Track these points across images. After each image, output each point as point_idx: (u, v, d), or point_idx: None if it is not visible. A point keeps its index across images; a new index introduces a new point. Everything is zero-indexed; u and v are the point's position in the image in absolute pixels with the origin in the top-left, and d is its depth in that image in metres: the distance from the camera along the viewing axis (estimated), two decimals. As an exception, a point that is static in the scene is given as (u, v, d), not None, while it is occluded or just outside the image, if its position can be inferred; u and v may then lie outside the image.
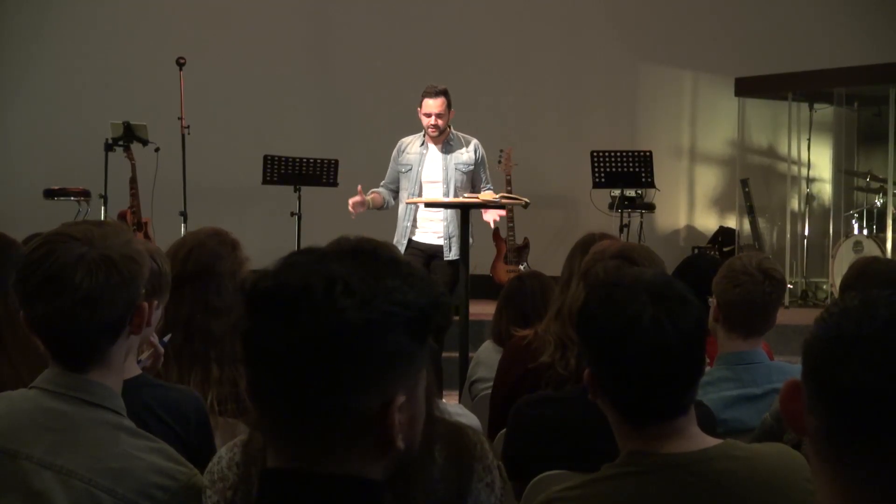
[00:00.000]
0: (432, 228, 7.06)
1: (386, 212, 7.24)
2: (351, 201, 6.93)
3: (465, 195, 6.88)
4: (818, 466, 1.21)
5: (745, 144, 11.35)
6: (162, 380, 2.68)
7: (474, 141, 7.10)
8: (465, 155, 7.02)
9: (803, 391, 1.21)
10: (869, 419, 1.13)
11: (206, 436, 2.42)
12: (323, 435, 1.26)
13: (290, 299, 1.24)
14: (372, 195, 7.06)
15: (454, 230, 6.98)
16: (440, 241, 7.03)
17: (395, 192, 7.14)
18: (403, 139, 7.12)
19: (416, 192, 6.99)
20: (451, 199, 6.90)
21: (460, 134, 7.09)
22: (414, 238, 7.03)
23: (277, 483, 1.28)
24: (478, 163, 7.06)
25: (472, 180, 7.08)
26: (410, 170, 7.01)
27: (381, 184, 7.17)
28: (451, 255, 6.98)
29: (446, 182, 6.98)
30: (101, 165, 8.89)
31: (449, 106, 6.94)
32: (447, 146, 7.01)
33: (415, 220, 7.04)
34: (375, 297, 1.25)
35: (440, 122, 6.89)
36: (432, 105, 6.88)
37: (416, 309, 1.27)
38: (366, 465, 1.28)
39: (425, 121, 6.93)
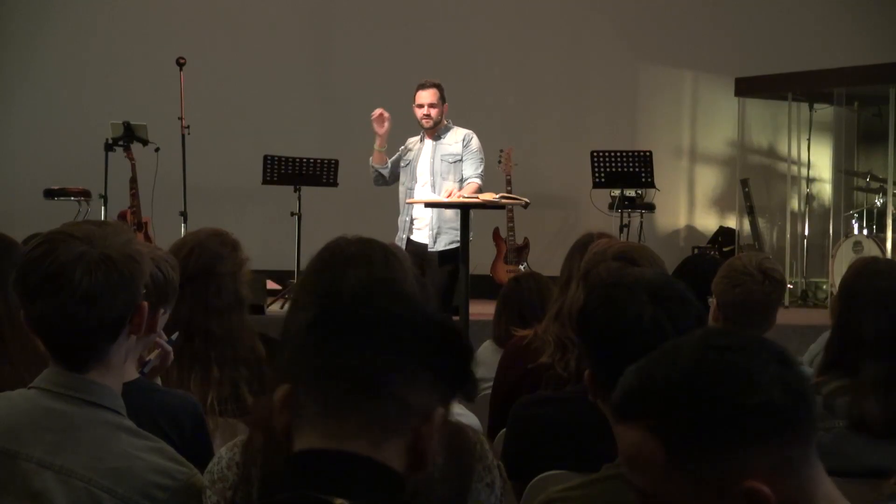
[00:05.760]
0: (421, 225, 7.22)
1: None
2: (384, 114, 7.12)
3: (465, 195, 6.90)
4: None
5: (745, 144, 11.35)
6: (163, 380, 2.69)
7: (465, 132, 7.22)
8: (454, 146, 7.15)
9: None
10: None
11: (202, 443, 2.40)
12: (367, 417, 1.33)
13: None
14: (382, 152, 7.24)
15: (438, 223, 7.07)
16: (425, 240, 7.18)
17: (395, 176, 7.33)
18: (410, 139, 7.33)
19: (412, 185, 7.21)
20: (436, 191, 7.07)
21: (456, 127, 7.26)
22: (412, 237, 7.21)
23: (308, 462, 1.34)
24: (465, 152, 7.15)
25: (462, 172, 7.17)
26: (409, 164, 7.24)
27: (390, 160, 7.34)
28: (437, 247, 7.08)
29: (432, 174, 7.14)
30: (101, 165, 8.88)
31: (443, 99, 7.12)
32: (437, 138, 7.18)
33: (412, 217, 7.23)
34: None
35: (433, 111, 7.08)
36: (424, 95, 7.10)
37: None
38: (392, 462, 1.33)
39: (418, 112, 7.12)
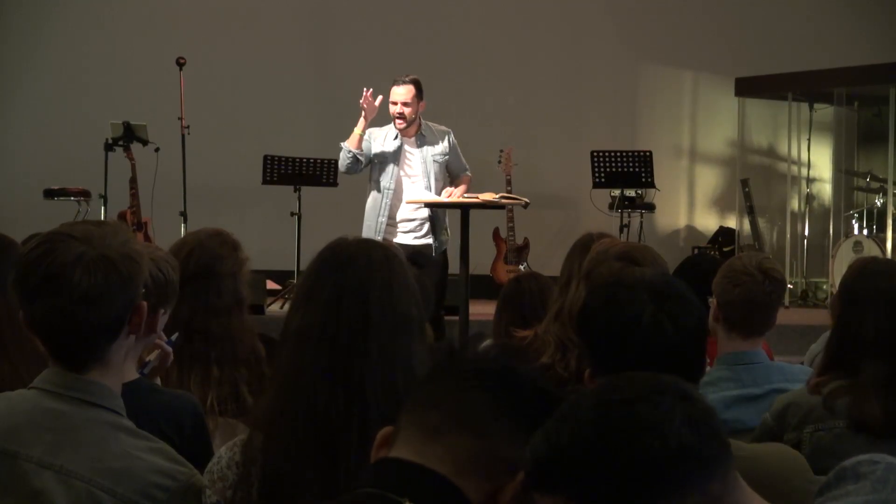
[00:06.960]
0: (409, 228, 6.95)
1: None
2: (371, 99, 6.78)
3: (466, 195, 6.89)
4: None
5: (745, 144, 11.35)
6: (163, 380, 2.69)
7: (444, 129, 7.03)
8: (440, 146, 6.96)
9: None
10: None
11: (201, 443, 2.40)
12: (458, 448, 1.38)
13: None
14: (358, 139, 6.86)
15: (438, 224, 6.96)
16: (417, 242, 6.88)
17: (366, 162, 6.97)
18: (372, 129, 6.92)
19: (390, 185, 6.86)
20: (432, 192, 6.87)
21: (431, 124, 7.02)
22: (394, 239, 6.81)
23: (392, 468, 1.40)
24: (451, 150, 7.01)
25: (449, 169, 7.03)
26: (384, 162, 6.88)
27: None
28: (440, 248, 6.98)
29: (426, 175, 6.90)
30: (101, 165, 8.88)
31: (420, 97, 6.80)
32: (421, 139, 6.92)
33: (392, 219, 6.91)
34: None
35: (405, 110, 6.74)
36: (399, 92, 6.76)
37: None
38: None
39: (391, 109, 6.80)
